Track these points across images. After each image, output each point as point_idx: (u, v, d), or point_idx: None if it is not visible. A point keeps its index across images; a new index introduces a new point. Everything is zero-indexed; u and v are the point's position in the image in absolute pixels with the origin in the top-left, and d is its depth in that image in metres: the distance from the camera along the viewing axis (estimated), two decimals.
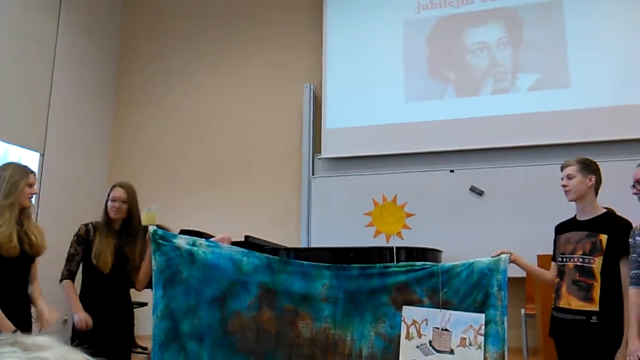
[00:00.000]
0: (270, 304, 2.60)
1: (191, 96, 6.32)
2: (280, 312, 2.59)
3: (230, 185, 5.92)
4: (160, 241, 2.71)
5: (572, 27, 5.08)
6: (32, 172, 2.82)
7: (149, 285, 3.07)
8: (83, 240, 2.93)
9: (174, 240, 2.72)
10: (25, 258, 2.71)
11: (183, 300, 2.65)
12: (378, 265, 2.62)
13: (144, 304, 5.02)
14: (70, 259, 2.92)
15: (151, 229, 2.74)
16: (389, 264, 2.65)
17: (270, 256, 2.67)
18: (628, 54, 4.87)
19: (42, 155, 5.45)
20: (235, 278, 2.63)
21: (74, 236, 2.96)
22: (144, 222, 2.87)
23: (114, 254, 2.91)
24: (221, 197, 5.89)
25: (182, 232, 3.93)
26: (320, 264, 2.64)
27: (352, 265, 2.63)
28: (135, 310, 5.00)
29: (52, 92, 5.62)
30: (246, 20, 6.28)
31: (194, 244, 2.70)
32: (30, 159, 5.22)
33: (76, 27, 6.00)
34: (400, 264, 2.64)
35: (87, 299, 2.89)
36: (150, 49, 6.60)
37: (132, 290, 3.22)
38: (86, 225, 2.98)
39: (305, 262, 2.65)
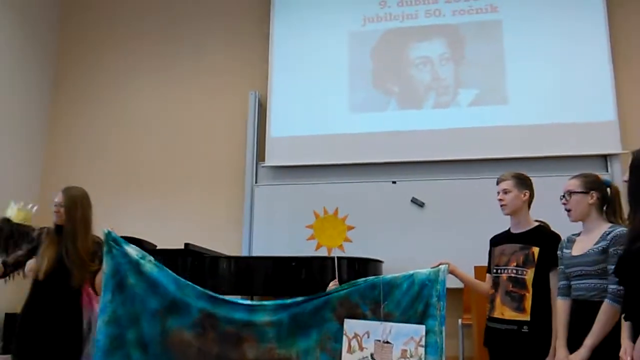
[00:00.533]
0: (212, 325, 2.56)
1: (133, 101, 6.15)
2: (223, 334, 2.55)
3: (172, 192, 5.79)
4: (112, 244, 2.65)
5: (510, 46, 5.29)
6: None
7: None
8: (33, 240, 2.96)
9: (125, 247, 2.65)
10: None
11: (130, 307, 2.58)
12: (323, 294, 2.61)
13: None
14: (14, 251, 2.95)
15: (105, 229, 2.67)
16: (331, 290, 2.63)
17: (213, 293, 2.62)
18: (563, 73, 5.12)
19: None
20: (178, 297, 2.58)
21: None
22: (14, 218, 2.85)
23: (55, 260, 2.87)
24: (163, 204, 5.75)
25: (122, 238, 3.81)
26: (264, 302, 2.62)
27: (297, 298, 2.61)
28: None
29: None
30: (192, 25, 6.18)
31: (142, 257, 2.64)
32: None
33: (13, 25, 5.74)
34: (343, 284, 2.63)
35: (27, 304, 2.88)
36: (90, 51, 6.38)
37: None
38: (40, 229, 3.02)
39: (247, 302, 2.66)
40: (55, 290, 2.90)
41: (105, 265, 2.63)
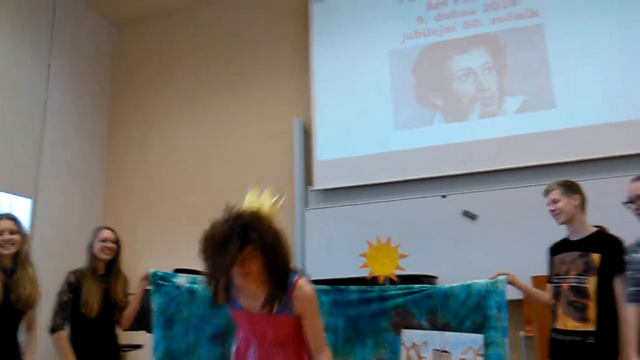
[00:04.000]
0: None
1: (182, 137, 6.35)
2: None
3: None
4: (161, 282, 2.73)
5: (553, 48, 5.17)
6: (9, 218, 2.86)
7: (133, 327, 3.07)
8: (74, 288, 2.93)
9: (174, 280, 2.72)
10: (9, 308, 2.71)
11: (183, 340, 2.63)
12: (376, 287, 2.62)
13: (138, 346, 4.95)
14: (63, 307, 2.90)
15: (151, 270, 2.76)
16: (386, 287, 2.65)
17: None
18: (610, 71, 4.95)
19: (35, 200, 5.45)
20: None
21: (65, 284, 2.96)
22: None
23: (101, 298, 2.93)
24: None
25: (177, 270, 3.92)
26: (319, 287, 2.63)
27: (350, 287, 2.63)
28: (130, 353, 4.96)
29: (44, 138, 5.66)
30: (233, 57, 6.37)
31: (194, 282, 2.70)
32: (21, 204, 5.23)
33: (67, 72, 6.09)
34: (399, 286, 2.64)
35: (75, 344, 2.88)
36: (141, 93, 6.67)
37: (129, 333, 3.21)
38: (74, 272, 3.00)
39: None
40: (106, 327, 3.00)
41: (154, 304, 2.69)
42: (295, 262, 5.18)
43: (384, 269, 2.69)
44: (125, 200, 6.34)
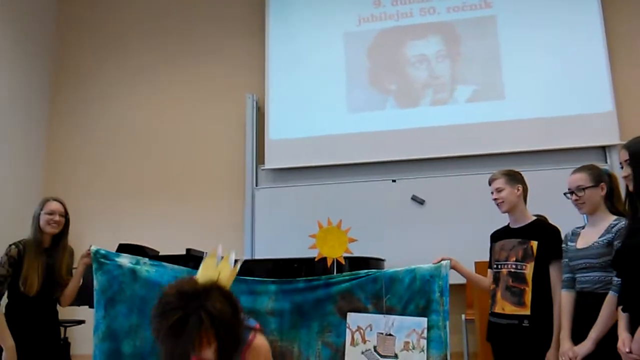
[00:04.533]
0: None
1: (131, 110, 6.16)
2: None
3: (172, 198, 5.80)
4: (103, 260, 2.66)
5: (505, 40, 5.31)
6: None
7: (75, 302, 2.99)
8: (15, 262, 2.82)
9: (117, 259, 2.66)
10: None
11: (125, 320, 2.59)
12: (323, 277, 2.64)
13: (81, 322, 4.85)
14: (0, 281, 2.78)
15: (93, 248, 2.68)
16: (333, 275, 2.67)
17: None
18: (559, 66, 5.12)
19: None
20: None
21: (4, 256, 2.83)
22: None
23: (42, 275, 2.84)
24: (163, 210, 5.77)
25: (122, 246, 3.83)
26: (267, 279, 2.63)
27: (297, 279, 2.64)
28: (71, 328, 4.84)
29: None
30: (187, 31, 6.21)
31: (137, 263, 2.65)
32: None
33: (7, 36, 5.76)
34: (345, 273, 2.67)
35: (12, 322, 2.77)
36: (88, 60, 6.41)
37: (71, 308, 3.12)
38: (17, 245, 2.87)
39: (250, 278, 2.63)
40: (46, 304, 2.91)
41: (96, 283, 2.63)
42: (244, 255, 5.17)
43: (333, 252, 2.71)
44: (68, 171, 6.12)
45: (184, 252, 4.26)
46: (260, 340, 2.00)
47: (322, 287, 2.59)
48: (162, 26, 6.29)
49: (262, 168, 5.57)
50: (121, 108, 6.19)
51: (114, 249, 3.00)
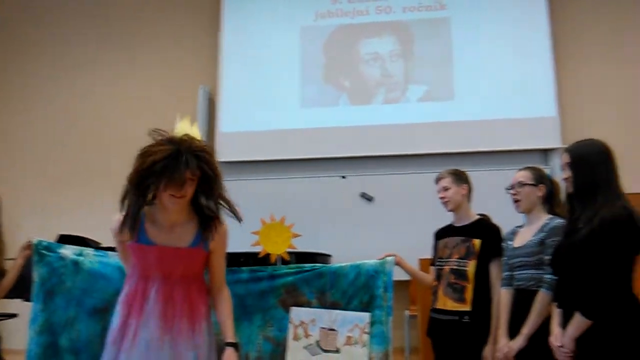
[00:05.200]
0: None
1: (74, 97, 5.96)
2: None
3: (116, 190, 5.63)
4: (44, 252, 2.54)
5: (457, 43, 5.41)
6: None
7: (11, 295, 2.85)
8: None
9: (59, 251, 2.55)
10: None
11: (63, 313, 2.49)
12: (269, 268, 2.61)
13: (12, 315, 4.66)
14: None
15: (35, 240, 2.56)
16: (278, 267, 2.65)
17: None
18: (507, 71, 5.27)
19: None
20: (122, 287, 2.51)
21: None
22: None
23: None
24: (109, 200, 5.57)
25: (62, 237, 3.68)
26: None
27: (242, 268, 2.60)
28: (3, 322, 4.63)
29: None
30: (140, 19, 6.04)
31: (80, 254, 2.55)
32: None
33: None
34: (290, 265, 2.66)
35: None
36: (29, 46, 6.13)
37: (2, 301, 2.98)
38: None
39: None
40: None
41: (35, 275, 2.53)
42: None
43: (276, 248, 2.69)
44: (5, 156, 5.86)
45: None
46: (223, 218, 2.09)
47: (266, 279, 2.56)
48: (112, 10, 6.09)
49: None
50: (66, 95, 5.97)
51: (52, 239, 2.88)
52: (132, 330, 1.95)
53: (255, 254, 3.71)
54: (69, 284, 2.51)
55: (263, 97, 5.53)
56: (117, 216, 2.01)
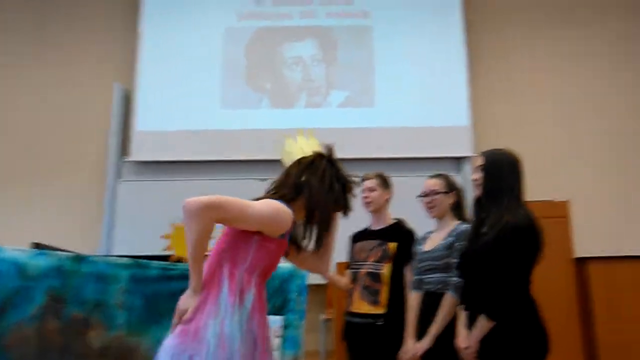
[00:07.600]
0: (57, 312, 2.34)
1: None
2: (68, 321, 2.35)
3: (27, 188, 5.29)
4: None
5: (379, 51, 5.51)
6: None
7: None
8: None
9: None
10: None
11: None
12: (180, 266, 2.53)
13: None
14: None
15: None
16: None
17: (64, 254, 2.42)
18: (424, 81, 5.42)
19: None
20: (18, 285, 2.33)
21: None
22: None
23: None
24: (14, 201, 5.24)
25: (35, 246, 3.38)
26: (119, 260, 2.47)
27: (152, 262, 2.50)
28: None
29: None
30: (52, 14, 5.73)
31: None
32: None
33: None
34: None
35: None
36: None
37: None
38: None
39: (101, 259, 2.45)
40: None
41: None
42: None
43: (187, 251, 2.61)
44: None
45: (30, 246, 3.90)
46: None
47: (177, 279, 2.46)
48: (28, 6, 5.73)
49: (126, 160, 5.26)
50: None
51: None
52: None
53: (166, 257, 3.58)
54: None
55: (183, 97, 5.37)
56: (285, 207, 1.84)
